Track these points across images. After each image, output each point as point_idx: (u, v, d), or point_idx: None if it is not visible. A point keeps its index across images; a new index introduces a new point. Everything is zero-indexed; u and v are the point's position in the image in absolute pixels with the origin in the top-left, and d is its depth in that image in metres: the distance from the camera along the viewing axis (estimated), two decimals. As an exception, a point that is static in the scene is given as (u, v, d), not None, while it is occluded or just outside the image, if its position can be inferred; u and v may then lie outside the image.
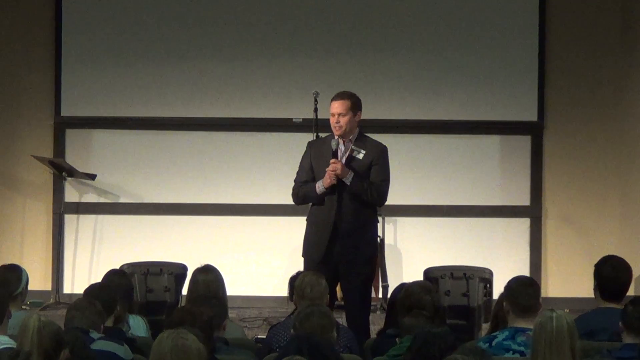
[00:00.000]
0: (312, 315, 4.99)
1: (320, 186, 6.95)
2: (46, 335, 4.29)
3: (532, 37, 9.77)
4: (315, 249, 6.99)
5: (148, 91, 9.81)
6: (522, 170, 9.89)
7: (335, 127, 6.98)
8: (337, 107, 6.98)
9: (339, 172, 6.87)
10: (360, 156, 6.96)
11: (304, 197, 7.12)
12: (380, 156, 7.00)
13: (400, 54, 9.79)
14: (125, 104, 9.80)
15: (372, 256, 7.10)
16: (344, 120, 6.95)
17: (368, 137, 7.10)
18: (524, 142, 9.91)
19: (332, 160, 6.90)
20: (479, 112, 9.80)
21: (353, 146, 6.98)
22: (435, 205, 9.84)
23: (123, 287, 5.97)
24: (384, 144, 7.09)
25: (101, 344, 4.92)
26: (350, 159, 6.96)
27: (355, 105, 7.00)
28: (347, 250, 6.91)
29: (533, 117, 9.84)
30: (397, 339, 5.29)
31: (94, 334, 4.98)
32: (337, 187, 6.91)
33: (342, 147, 7.01)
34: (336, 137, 7.01)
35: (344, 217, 6.91)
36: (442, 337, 4.57)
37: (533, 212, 9.88)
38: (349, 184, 6.89)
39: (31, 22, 9.80)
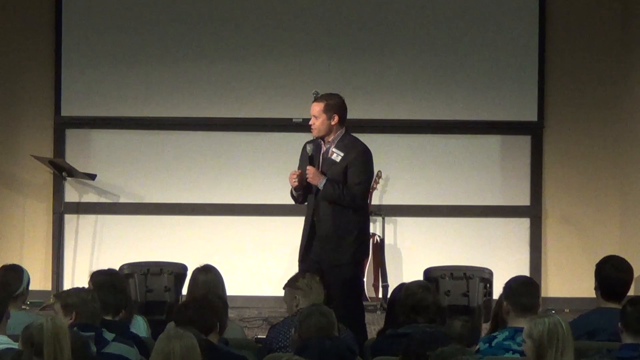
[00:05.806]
0: (312, 315, 4.99)
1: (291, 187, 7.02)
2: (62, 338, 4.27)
3: (532, 37, 9.77)
4: (300, 250, 7.02)
5: (148, 91, 9.80)
6: (522, 170, 9.89)
7: (312, 129, 6.98)
8: (312, 109, 6.95)
9: (309, 178, 6.86)
10: (338, 159, 6.88)
11: (292, 196, 7.14)
12: (357, 157, 6.87)
13: (399, 54, 9.79)
14: (125, 104, 9.80)
15: (355, 258, 6.93)
16: (317, 123, 6.91)
17: (352, 137, 6.99)
18: (524, 142, 9.90)
19: (308, 167, 6.89)
20: (479, 112, 9.79)
21: (333, 148, 6.92)
22: (435, 205, 9.84)
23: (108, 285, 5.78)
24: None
25: (115, 347, 4.92)
26: (327, 162, 6.92)
27: (330, 107, 6.88)
28: (325, 253, 6.87)
29: (533, 117, 9.83)
30: None
31: (107, 335, 4.97)
32: (316, 189, 6.90)
33: (322, 149, 6.96)
34: (317, 140, 6.99)
35: (321, 219, 6.88)
36: (437, 338, 4.57)
37: (533, 212, 9.87)
38: (321, 189, 6.85)
39: (31, 22, 9.80)
